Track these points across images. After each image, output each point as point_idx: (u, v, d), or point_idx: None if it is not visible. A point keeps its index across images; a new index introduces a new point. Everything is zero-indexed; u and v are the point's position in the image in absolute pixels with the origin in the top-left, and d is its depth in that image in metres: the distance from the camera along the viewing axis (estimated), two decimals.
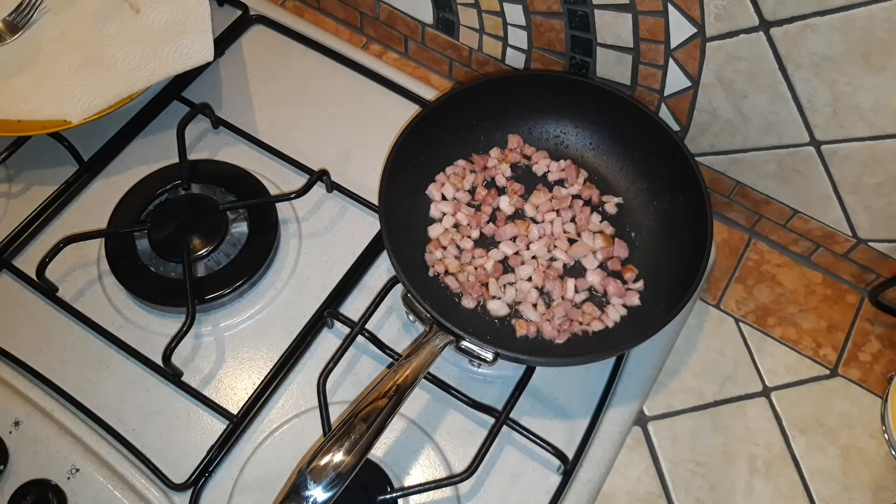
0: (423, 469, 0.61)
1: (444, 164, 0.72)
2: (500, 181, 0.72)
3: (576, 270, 0.68)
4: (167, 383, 0.64)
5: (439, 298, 0.66)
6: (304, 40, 0.83)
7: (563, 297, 0.65)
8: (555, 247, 0.68)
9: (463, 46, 0.79)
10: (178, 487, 0.59)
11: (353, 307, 0.68)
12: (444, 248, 0.68)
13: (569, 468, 0.60)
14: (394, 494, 0.59)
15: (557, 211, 0.70)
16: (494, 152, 0.73)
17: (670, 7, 0.60)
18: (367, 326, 0.64)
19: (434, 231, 0.69)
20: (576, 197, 0.71)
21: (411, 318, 0.62)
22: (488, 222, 0.69)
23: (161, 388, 0.64)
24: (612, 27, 0.65)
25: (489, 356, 0.58)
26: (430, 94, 0.79)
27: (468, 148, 0.73)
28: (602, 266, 0.68)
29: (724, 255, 0.74)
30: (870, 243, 0.68)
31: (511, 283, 0.66)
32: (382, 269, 0.70)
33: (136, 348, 0.65)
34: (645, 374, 0.66)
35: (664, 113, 0.70)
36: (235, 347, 0.66)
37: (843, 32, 0.54)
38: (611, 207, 0.71)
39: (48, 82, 0.73)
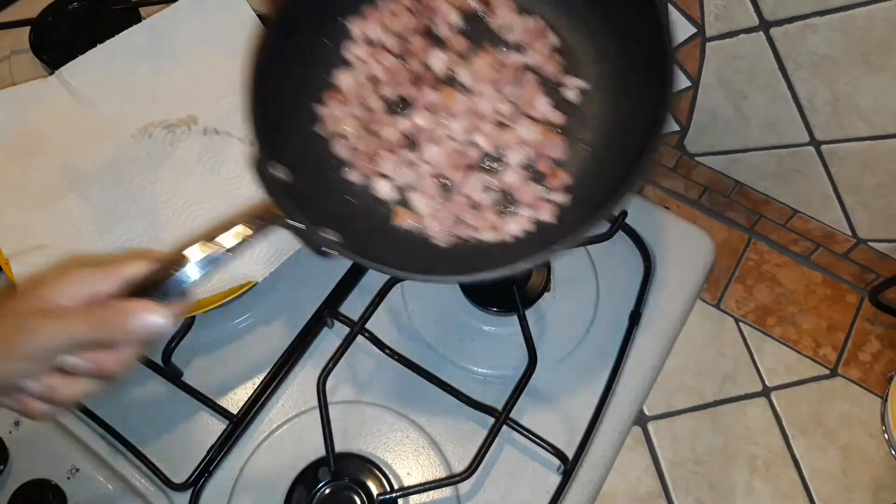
0: (423, 469, 0.61)
1: None
2: (443, 31, 0.56)
3: (495, 163, 0.54)
4: (167, 383, 0.64)
5: (316, 166, 0.53)
6: None
7: (464, 194, 0.53)
8: (478, 129, 0.54)
9: None
10: (178, 487, 0.59)
11: (353, 307, 0.68)
12: (347, 103, 0.54)
13: (569, 468, 0.60)
14: (394, 494, 0.59)
15: (499, 84, 0.55)
16: None
17: (670, 7, 0.60)
18: (367, 326, 0.64)
19: (341, 79, 0.54)
20: (530, 69, 0.56)
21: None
22: (412, 82, 0.55)
23: (161, 388, 0.64)
24: None
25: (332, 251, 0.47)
26: None
27: None
28: (529, 166, 0.54)
29: (724, 254, 0.74)
30: (870, 243, 0.68)
31: (410, 164, 0.54)
32: None
33: None
34: (645, 373, 0.66)
35: None
36: (235, 347, 0.66)
37: (843, 32, 0.54)
38: (571, 93, 0.55)
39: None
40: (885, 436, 0.64)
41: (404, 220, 0.52)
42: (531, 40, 0.56)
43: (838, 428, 0.65)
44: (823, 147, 0.63)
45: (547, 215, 0.52)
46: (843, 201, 0.66)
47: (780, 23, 0.56)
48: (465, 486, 0.60)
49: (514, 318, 0.66)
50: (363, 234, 0.52)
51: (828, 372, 0.68)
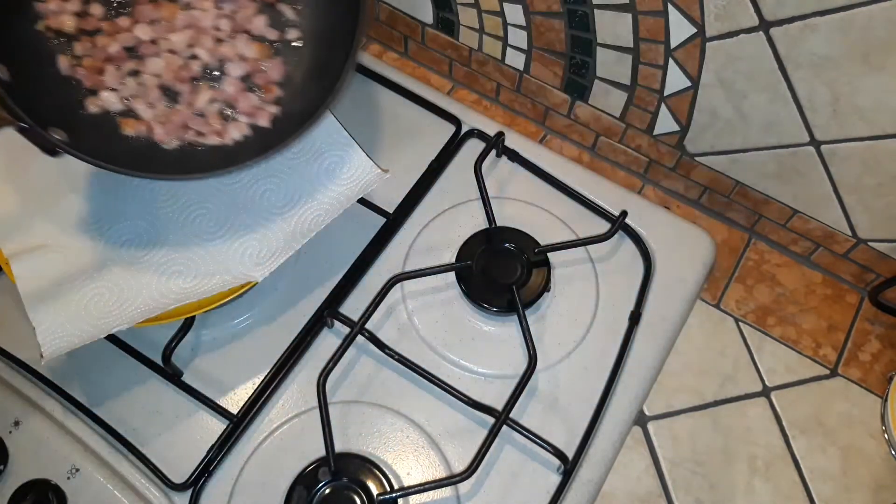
0: (423, 469, 0.61)
1: None
2: None
3: (216, 75, 0.60)
4: (167, 383, 0.64)
5: (42, 67, 0.55)
6: None
7: (189, 102, 0.58)
8: (199, 44, 0.59)
9: (463, 46, 0.79)
10: (178, 487, 0.59)
11: (353, 307, 0.68)
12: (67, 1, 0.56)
13: (569, 468, 0.60)
14: (394, 494, 0.59)
15: (219, 1, 0.60)
16: None
17: (670, 7, 0.60)
18: (367, 326, 0.64)
19: None
20: None
21: None
22: None
23: (161, 388, 0.64)
24: (612, 27, 0.65)
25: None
26: (430, 94, 0.79)
27: None
28: (247, 78, 0.60)
29: (724, 254, 0.74)
30: (870, 243, 0.68)
31: (135, 74, 0.58)
32: (382, 269, 0.70)
33: (137, 348, 0.65)
34: (645, 373, 0.66)
35: (664, 113, 0.70)
36: (235, 347, 0.66)
37: (843, 32, 0.54)
38: (287, 10, 0.61)
39: (210, 258, 0.62)
40: (885, 436, 0.64)
41: (132, 129, 0.57)
42: None
43: (838, 428, 0.65)
44: (823, 147, 0.63)
45: (264, 122, 0.59)
46: (843, 201, 0.66)
47: (780, 23, 0.56)
48: (465, 486, 0.60)
49: (514, 318, 0.67)
50: (93, 136, 0.55)
51: (828, 372, 0.68)
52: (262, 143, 0.58)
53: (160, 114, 0.57)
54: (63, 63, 0.56)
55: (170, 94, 0.58)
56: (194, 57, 0.59)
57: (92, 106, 0.58)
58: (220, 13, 0.59)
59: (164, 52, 0.58)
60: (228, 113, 0.59)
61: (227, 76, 0.59)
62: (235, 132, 0.59)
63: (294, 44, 0.61)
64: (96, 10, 0.56)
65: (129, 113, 0.57)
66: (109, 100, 0.56)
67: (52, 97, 0.52)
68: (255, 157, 0.55)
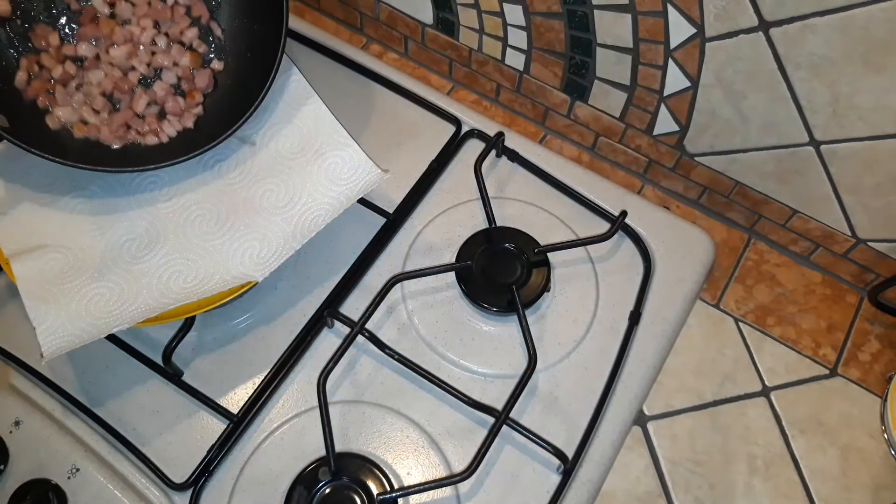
0: (423, 468, 0.61)
1: None
2: None
3: (149, 81, 0.68)
4: (167, 383, 0.64)
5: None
6: (303, 40, 0.83)
7: (129, 107, 0.66)
8: (136, 57, 0.67)
9: (463, 47, 0.79)
10: (179, 487, 0.59)
11: (353, 307, 0.68)
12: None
13: (568, 468, 0.61)
14: (394, 494, 0.59)
15: (156, 21, 0.67)
16: None
17: (670, 7, 0.60)
18: (367, 326, 0.65)
19: None
20: (182, 5, 0.68)
21: None
22: (73, 13, 0.66)
23: (161, 388, 0.64)
24: (612, 28, 0.66)
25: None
26: (430, 95, 0.79)
27: None
28: (176, 85, 0.68)
29: (724, 254, 0.74)
30: (869, 243, 0.68)
31: (79, 86, 0.65)
32: (382, 268, 0.70)
33: (137, 348, 0.65)
34: (644, 373, 0.66)
35: (664, 113, 0.70)
36: (235, 347, 0.66)
37: (843, 32, 0.54)
38: (217, 29, 0.70)
39: (209, 255, 0.63)
40: (885, 436, 0.64)
41: (82, 133, 0.64)
42: None
43: (838, 428, 0.65)
44: (823, 147, 0.63)
45: (189, 123, 0.67)
46: (842, 201, 0.66)
47: (779, 23, 0.56)
48: (465, 486, 0.60)
49: (514, 318, 0.67)
50: (41, 132, 0.63)
51: (827, 372, 0.68)
52: (192, 141, 0.66)
53: (103, 118, 0.65)
54: (18, 83, 0.64)
55: (112, 99, 0.66)
56: (133, 69, 0.67)
57: (51, 123, 0.64)
58: (159, 30, 0.67)
59: (107, 65, 0.66)
60: (162, 115, 0.67)
61: (160, 81, 0.67)
62: (170, 129, 0.66)
63: (216, 60, 0.70)
64: (54, 40, 0.65)
65: (79, 120, 0.65)
66: (66, 115, 0.64)
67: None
68: (186, 152, 0.63)
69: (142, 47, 0.67)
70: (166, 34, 0.67)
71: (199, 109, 0.68)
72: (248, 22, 0.70)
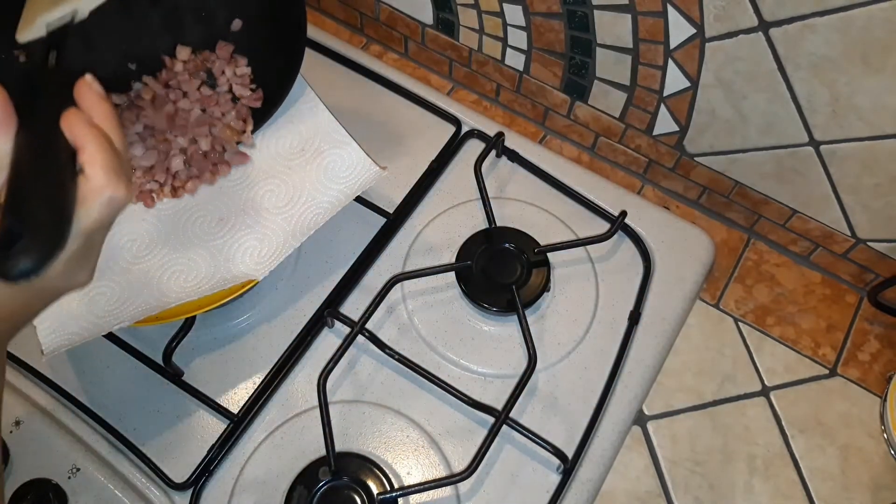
0: (423, 468, 0.61)
1: None
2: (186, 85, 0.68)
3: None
4: (168, 383, 0.64)
5: None
6: None
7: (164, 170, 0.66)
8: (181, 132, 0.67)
9: (463, 47, 0.79)
10: (179, 487, 0.59)
11: (354, 307, 0.68)
12: None
13: (568, 467, 0.61)
14: (394, 493, 0.59)
15: (205, 109, 0.67)
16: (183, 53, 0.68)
17: (669, 8, 0.60)
18: (367, 326, 0.65)
19: None
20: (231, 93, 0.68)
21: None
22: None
23: (161, 388, 0.64)
24: (612, 28, 0.66)
25: None
26: (430, 95, 0.79)
27: None
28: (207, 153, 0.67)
29: (724, 254, 0.74)
30: (869, 243, 0.68)
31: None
32: (382, 268, 0.70)
33: (137, 348, 0.65)
34: (644, 373, 0.66)
35: (663, 113, 0.70)
36: (235, 347, 0.66)
37: (843, 33, 0.54)
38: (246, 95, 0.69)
39: (207, 254, 0.63)
40: (885, 436, 0.64)
41: None
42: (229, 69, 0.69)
43: (837, 428, 0.65)
44: (822, 147, 0.63)
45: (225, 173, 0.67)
46: (842, 201, 0.66)
47: (779, 23, 0.56)
48: (465, 486, 0.61)
49: (514, 318, 0.67)
50: None
51: (827, 372, 0.68)
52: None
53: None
54: None
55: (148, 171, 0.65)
56: (181, 149, 0.66)
57: None
58: (208, 131, 0.67)
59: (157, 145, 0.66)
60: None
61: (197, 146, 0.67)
62: (192, 186, 0.66)
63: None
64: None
65: None
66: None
67: None
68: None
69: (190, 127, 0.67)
70: (210, 115, 0.68)
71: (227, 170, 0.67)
72: (270, 58, 0.68)
